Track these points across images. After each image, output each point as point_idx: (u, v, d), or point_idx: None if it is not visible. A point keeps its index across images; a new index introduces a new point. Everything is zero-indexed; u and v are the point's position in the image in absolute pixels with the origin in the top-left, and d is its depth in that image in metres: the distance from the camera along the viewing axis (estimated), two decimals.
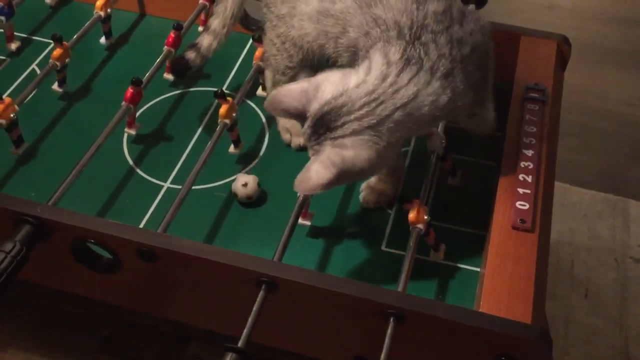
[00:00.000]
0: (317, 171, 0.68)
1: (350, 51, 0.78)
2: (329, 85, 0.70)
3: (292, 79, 0.91)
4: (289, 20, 0.82)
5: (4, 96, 0.89)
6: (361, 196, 0.88)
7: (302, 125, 0.72)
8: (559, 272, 1.18)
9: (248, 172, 0.92)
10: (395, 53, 0.69)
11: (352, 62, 0.77)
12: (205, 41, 0.95)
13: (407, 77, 0.69)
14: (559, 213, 1.23)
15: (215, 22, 0.95)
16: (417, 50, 0.69)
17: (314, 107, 0.70)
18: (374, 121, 0.69)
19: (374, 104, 0.68)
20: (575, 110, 1.45)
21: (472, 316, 0.66)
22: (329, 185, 0.68)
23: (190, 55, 0.95)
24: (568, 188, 1.32)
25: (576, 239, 1.25)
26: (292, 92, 0.72)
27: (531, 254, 0.73)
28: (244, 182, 0.86)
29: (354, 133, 0.69)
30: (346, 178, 0.70)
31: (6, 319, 1.00)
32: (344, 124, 0.69)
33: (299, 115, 0.71)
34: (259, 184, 0.88)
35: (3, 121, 0.88)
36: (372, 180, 0.87)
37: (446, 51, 0.71)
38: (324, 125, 0.69)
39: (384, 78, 0.69)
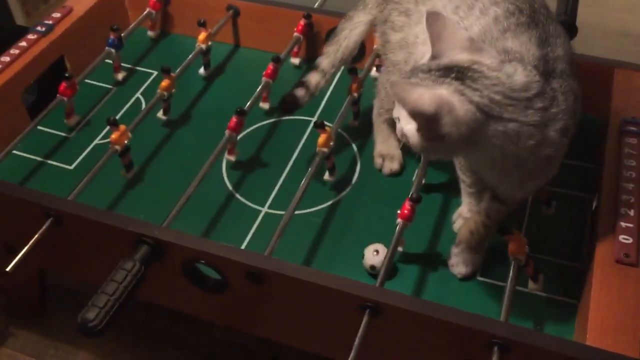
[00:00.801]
0: (421, 95, 0.64)
1: None
2: (489, 58, 0.67)
3: (388, 116, 0.94)
4: (403, 66, 0.84)
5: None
6: (454, 226, 0.90)
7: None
8: None
9: (341, 198, 0.95)
10: (535, 76, 0.67)
11: None
12: (314, 79, 0.98)
13: (539, 104, 0.67)
14: None
15: (325, 62, 0.98)
16: (549, 91, 0.68)
17: (463, 57, 0.67)
18: (495, 113, 0.66)
19: (507, 101, 0.66)
20: None
21: (584, 350, 0.66)
22: (417, 115, 0.65)
23: (300, 92, 0.98)
24: None
25: None
26: (458, 33, 0.68)
27: (636, 289, 0.73)
28: (375, 250, 0.85)
29: (477, 104, 0.65)
30: (428, 132, 0.66)
31: (105, 335, 1.05)
32: (477, 90, 0.65)
33: (434, 47, 0.68)
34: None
35: (118, 147, 0.94)
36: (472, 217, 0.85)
37: (569, 109, 0.70)
38: (461, 73, 0.66)
39: (526, 89, 0.66)
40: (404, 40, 0.84)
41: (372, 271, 0.85)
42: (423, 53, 0.79)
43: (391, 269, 0.85)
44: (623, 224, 0.78)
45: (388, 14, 0.87)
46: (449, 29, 0.69)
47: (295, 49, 1.15)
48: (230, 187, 0.99)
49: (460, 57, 0.67)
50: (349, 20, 0.97)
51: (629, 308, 0.72)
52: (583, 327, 0.73)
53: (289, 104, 0.99)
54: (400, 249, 0.88)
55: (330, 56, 0.98)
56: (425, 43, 0.78)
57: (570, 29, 1.06)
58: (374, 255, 0.85)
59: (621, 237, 0.76)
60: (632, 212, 0.79)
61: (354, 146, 1.05)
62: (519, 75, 0.67)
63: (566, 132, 0.70)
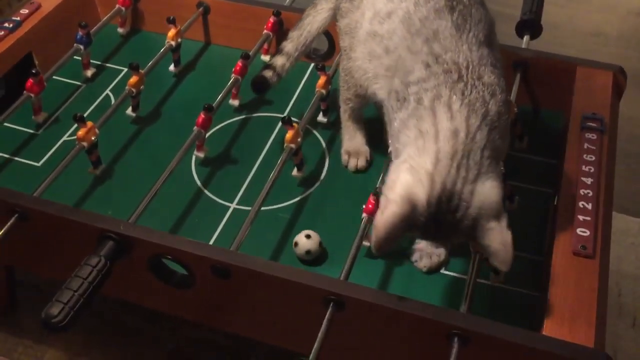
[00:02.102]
0: (505, 241, 0.68)
1: (388, 75, 0.80)
2: (412, 181, 0.67)
3: (352, 111, 0.96)
4: (349, 52, 0.88)
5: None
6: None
7: (423, 235, 0.71)
8: None
9: (309, 194, 0.96)
10: (456, 102, 0.69)
11: (387, 92, 0.80)
12: (279, 61, 1.03)
13: (475, 122, 0.69)
14: None
15: (289, 46, 1.03)
16: (479, 92, 0.70)
17: (421, 199, 0.67)
18: (477, 171, 0.67)
19: (465, 160, 0.67)
20: (621, 137, 1.45)
21: (539, 339, 0.68)
22: None
23: (268, 73, 1.04)
24: (615, 215, 1.31)
25: (623, 268, 1.25)
26: (392, 215, 0.66)
27: (592, 280, 0.75)
28: (307, 234, 0.86)
29: (474, 181, 0.67)
30: None
31: (75, 330, 1.05)
32: (460, 195, 0.66)
33: (412, 224, 0.67)
34: (320, 244, 0.87)
35: (85, 144, 0.94)
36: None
37: (495, 108, 0.71)
38: (449, 211, 0.67)
39: (455, 134, 0.68)
40: (347, 26, 0.88)
41: (308, 257, 0.86)
42: (358, 34, 0.83)
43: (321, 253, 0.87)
44: (581, 217, 0.80)
45: (340, 0, 0.91)
46: (389, 224, 0.67)
47: (266, 46, 1.16)
48: (199, 183, 1.00)
49: (423, 202, 0.67)
50: (313, 7, 1.02)
51: (585, 299, 0.73)
52: (542, 318, 0.75)
53: (258, 84, 1.04)
54: (366, 243, 0.89)
55: (294, 40, 1.03)
56: (361, 26, 0.83)
57: (535, 27, 1.09)
58: (307, 239, 0.86)
59: (579, 230, 0.78)
60: (590, 206, 0.81)
61: (323, 143, 1.06)
62: (441, 132, 0.68)
63: (506, 104, 0.74)
